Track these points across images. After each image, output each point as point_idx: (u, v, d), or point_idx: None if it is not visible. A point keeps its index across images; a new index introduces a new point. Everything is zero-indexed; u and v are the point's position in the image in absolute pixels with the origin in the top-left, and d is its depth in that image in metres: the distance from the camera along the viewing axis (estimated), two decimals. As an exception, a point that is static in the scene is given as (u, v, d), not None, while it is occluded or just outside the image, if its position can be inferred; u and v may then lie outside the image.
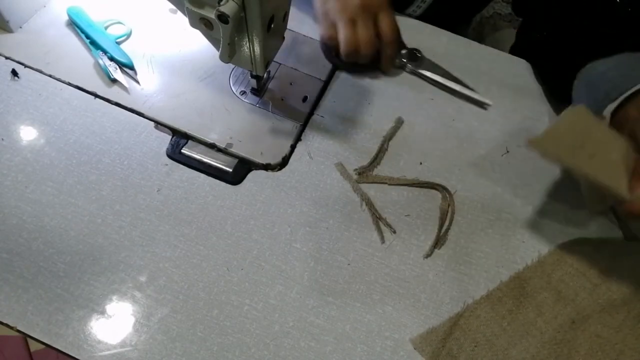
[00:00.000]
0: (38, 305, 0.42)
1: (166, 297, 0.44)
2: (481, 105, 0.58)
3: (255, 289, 0.45)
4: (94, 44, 0.55)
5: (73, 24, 0.56)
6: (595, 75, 0.51)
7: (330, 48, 0.57)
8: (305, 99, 0.55)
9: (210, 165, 0.50)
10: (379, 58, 0.57)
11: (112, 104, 0.53)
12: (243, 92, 0.55)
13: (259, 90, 0.54)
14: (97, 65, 0.54)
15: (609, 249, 0.49)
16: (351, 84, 0.58)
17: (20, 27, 0.56)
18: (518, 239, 0.50)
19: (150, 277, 0.44)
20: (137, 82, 0.54)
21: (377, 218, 0.49)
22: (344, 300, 0.45)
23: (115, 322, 0.42)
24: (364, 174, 0.52)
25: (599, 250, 0.49)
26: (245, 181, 0.50)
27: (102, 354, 0.41)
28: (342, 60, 0.56)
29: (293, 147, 0.52)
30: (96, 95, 0.53)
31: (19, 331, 0.41)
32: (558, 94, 0.57)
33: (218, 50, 0.43)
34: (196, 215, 0.48)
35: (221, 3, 0.38)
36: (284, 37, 0.50)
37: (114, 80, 0.53)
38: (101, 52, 0.54)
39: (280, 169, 0.51)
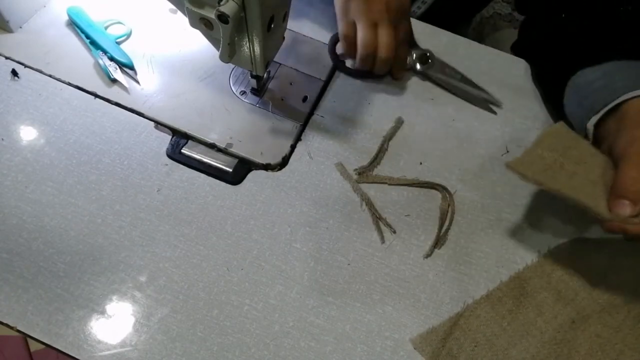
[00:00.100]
0: (38, 305, 0.42)
1: (166, 297, 0.44)
2: (492, 109, 0.57)
3: (255, 289, 0.45)
4: (94, 44, 0.55)
5: (73, 24, 0.56)
6: (584, 84, 0.50)
7: (337, 55, 0.57)
8: (305, 99, 0.55)
9: (210, 165, 0.50)
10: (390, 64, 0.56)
11: (112, 104, 0.53)
12: (243, 92, 0.55)
13: (259, 90, 0.54)
14: (97, 65, 0.54)
15: (609, 249, 0.49)
16: (351, 84, 0.58)
17: (20, 27, 0.56)
18: (518, 239, 0.50)
19: (150, 277, 0.44)
20: (137, 82, 0.54)
21: (377, 218, 0.49)
22: (344, 300, 0.45)
23: (115, 322, 0.42)
24: (364, 174, 0.52)
25: (599, 250, 0.49)
26: (245, 181, 0.50)
27: (102, 354, 0.41)
28: (344, 61, 0.57)
29: (293, 147, 0.52)
30: (96, 95, 0.53)
31: (19, 331, 0.41)
32: (552, 99, 0.57)
33: (218, 50, 0.43)
34: (196, 215, 0.48)
35: (221, 3, 0.38)
36: (284, 37, 0.50)
37: (114, 80, 0.53)
38: (101, 52, 0.54)
39: (280, 169, 0.51)
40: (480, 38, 0.92)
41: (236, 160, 0.51)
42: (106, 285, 0.44)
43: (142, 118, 0.52)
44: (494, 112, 0.57)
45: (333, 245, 0.48)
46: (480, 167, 0.54)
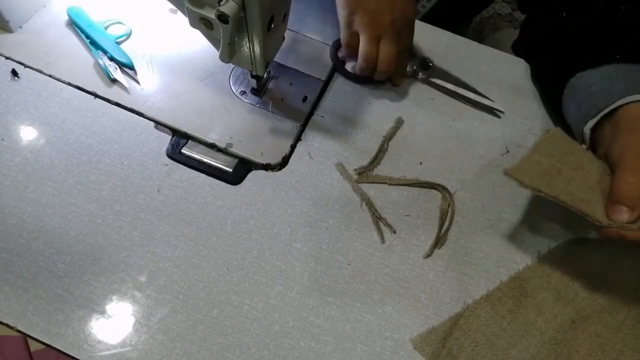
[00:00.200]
0: (38, 305, 0.42)
1: (166, 297, 0.44)
2: (495, 113, 0.57)
3: (255, 289, 0.45)
4: (94, 44, 0.55)
5: (73, 24, 0.56)
6: (582, 87, 0.50)
7: (339, 60, 0.57)
8: (305, 99, 0.55)
9: (210, 165, 0.50)
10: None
11: (112, 104, 0.53)
12: (243, 92, 0.55)
13: (259, 90, 0.54)
14: (97, 65, 0.54)
15: (609, 249, 0.49)
16: (351, 84, 0.58)
17: (20, 27, 0.56)
18: (518, 239, 0.50)
19: (150, 277, 0.44)
20: (137, 82, 0.54)
21: (377, 218, 0.49)
22: (344, 300, 0.45)
23: (115, 322, 0.42)
24: (364, 174, 0.52)
25: (599, 251, 0.49)
26: (245, 181, 0.50)
27: (102, 354, 0.41)
28: (344, 63, 0.57)
29: (293, 147, 0.52)
30: (96, 95, 0.53)
31: (19, 331, 0.41)
32: (552, 99, 0.57)
33: (218, 50, 0.43)
34: (196, 215, 0.48)
35: (221, 3, 0.38)
36: (284, 37, 0.50)
37: (114, 80, 0.53)
38: (101, 52, 0.54)
39: (280, 169, 0.51)
40: (480, 38, 0.92)
41: (236, 160, 0.51)
42: (106, 285, 0.44)
43: (142, 118, 0.52)
44: (498, 116, 0.57)
45: (333, 245, 0.48)
46: (480, 167, 0.54)
